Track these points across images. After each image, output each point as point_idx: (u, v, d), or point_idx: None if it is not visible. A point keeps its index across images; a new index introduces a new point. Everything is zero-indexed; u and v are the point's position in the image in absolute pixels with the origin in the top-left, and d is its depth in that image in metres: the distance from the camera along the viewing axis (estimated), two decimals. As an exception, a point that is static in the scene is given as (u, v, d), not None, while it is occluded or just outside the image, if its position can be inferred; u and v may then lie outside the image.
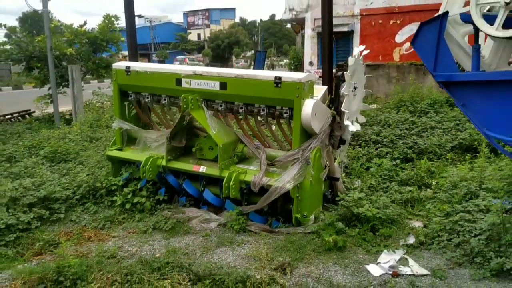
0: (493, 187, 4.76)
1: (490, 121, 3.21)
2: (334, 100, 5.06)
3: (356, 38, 18.71)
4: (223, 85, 4.84)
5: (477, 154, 6.47)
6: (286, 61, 51.07)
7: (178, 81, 5.08)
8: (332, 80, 5.14)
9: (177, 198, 5.52)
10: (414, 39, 3.52)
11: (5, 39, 13.95)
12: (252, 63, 28.04)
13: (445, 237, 4.37)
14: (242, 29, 70.15)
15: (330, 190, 5.37)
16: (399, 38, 17.92)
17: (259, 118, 5.11)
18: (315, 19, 19.39)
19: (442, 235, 4.40)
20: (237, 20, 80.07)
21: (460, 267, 3.94)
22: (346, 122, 4.89)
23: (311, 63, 19.55)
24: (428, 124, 7.57)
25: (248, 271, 3.81)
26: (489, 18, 3.12)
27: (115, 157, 5.62)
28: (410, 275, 3.82)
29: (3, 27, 13.47)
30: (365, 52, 5.16)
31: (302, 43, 22.82)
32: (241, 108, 4.94)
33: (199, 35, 67.31)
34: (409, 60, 16.32)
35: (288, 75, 4.56)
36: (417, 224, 4.86)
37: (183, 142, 5.30)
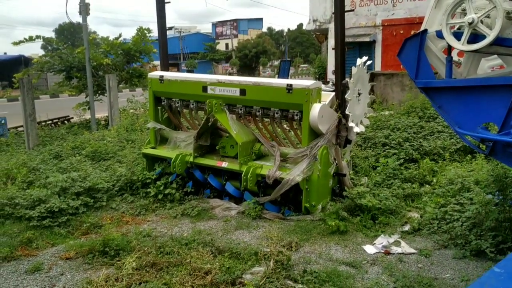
0: (480, 180, 5.34)
1: (460, 119, 3.84)
2: (341, 104, 5.74)
3: (378, 48, 19.27)
4: (242, 92, 5.60)
5: (476, 156, 7.03)
6: (305, 67, 51.86)
7: (204, 88, 5.86)
8: (343, 87, 5.83)
9: (203, 190, 6.27)
10: (399, 52, 4.18)
11: (41, 50, 15.11)
12: (278, 72, 28.77)
13: (435, 224, 4.98)
14: (269, 39, 71.12)
15: (338, 185, 6.03)
16: (419, 48, 18.38)
17: (274, 120, 5.81)
18: (337, 30, 20.02)
19: (433, 222, 5.01)
20: (264, 30, 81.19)
21: (445, 249, 4.55)
22: (351, 124, 5.56)
23: (334, 72, 20.16)
24: (435, 128, 8.13)
25: (260, 247, 4.52)
26: (460, 35, 3.76)
27: (150, 154, 6.43)
28: (399, 253, 4.45)
29: (40, 38, 14.61)
30: (368, 62, 5.82)
31: (327, 52, 23.46)
32: (258, 111, 5.67)
33: (227, 45, 68.61)
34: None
35: (298, 83, 5.28)
36: (414, 214, 5.47)
37: (208, 141, 6.06)
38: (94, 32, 17.51)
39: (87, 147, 8.28)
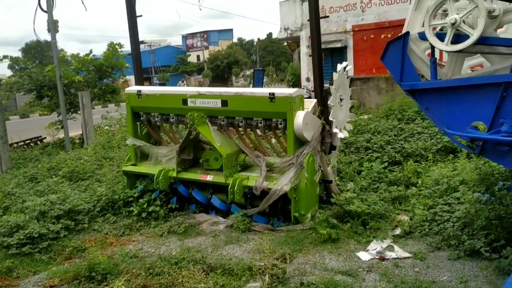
0: (466, 179, 5.36)
1: (448, 120, 3.82)
2: (323, 111, 5.70)
3: (350, 53, 19.50)
4: (224, 103, 5.49)
5: (458, 155, 7.10)
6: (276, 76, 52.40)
7: (184, 101, 5.73)
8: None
9: (187, 206, 6.11)
10: (382, 56, 4.15)
11: (8, 70, 14.74)
12: (251, 82, 28.84)
13: (426, 226, 4.95)
14: (240, 49, 71.42)
15: (325, 192, 5.97)
16: (390, 51, 18.67)
17: (257, 130, 5.72)
18: (309, 37, 20.18)
19: (424, 224, 4.99)
20: (235, 40, 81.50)
21: (439, 250, 4.51)
22: (335, 130, 5.51)
23: (308, 79, 20.27)
24: (415, 130, 8.19)
25: (253, 261, 4.40)
26: (443, 36, 3.76)
27: (130, 171, 6.24)
28: (394, 258, 4.40)
29: (7, 58, 14.22)
30: (348, 68, 5.80)
31: (299, 60, 23.63)
32: (241, 122, 5.57)
33: (198, 56, 68.54)
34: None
35: (281, 91, 5.21)
36: (403, 217, 5.44)
37: (191, 155, 5.93)
38: (62, 50, 17.10)
39: (64, 167, 8.01)
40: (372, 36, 18.85)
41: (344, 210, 5.39)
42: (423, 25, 3.93)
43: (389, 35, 18.55)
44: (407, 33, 4.03)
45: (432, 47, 3.88)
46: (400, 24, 19.80)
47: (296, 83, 23.53)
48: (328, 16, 9.77)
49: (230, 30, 78.04)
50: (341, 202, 5.40)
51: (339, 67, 5.58)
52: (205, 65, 65.73)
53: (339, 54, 19.66)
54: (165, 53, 64.74)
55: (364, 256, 4.49)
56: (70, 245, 5.13)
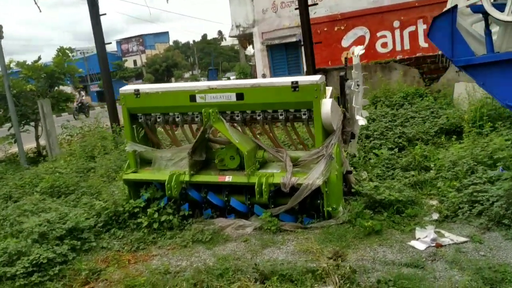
0: (479, 159, 5.34)
1: (508, 94, 3.68)
2: (340, 98, 5.42)
3: (305, 47, 19.45)
4: (239, 96, 5.05)
5: (457, 136, 7.10)
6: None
7: (192, 98, 5.23)
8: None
9: (198, 212, 5.61)
10: (429, 32, 3.94)
11: None
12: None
13: (466, 208, 4.81)
14: (178, 52, 70.21)
15: (344, 184, 5.69)
16: (345, 43, 18.84)
17: (278, 123, 5.34)
18: (262, 33, 19.98)
19: (463, 207, 4.84)
20: (171, 43, 79.98)
21: (490, 231, 4.37)
22: (357, 117, 5.25)
23: (264, 75, 20.04)
24: (408, 115, 8.15)
25: (306, 263, 4.03)
26: (500, 7, 3.60)
27: (133, 179, 5.64)
28: (451, 244, 4.19)
29: None
30: (361, 52, 5.55)
31: (249, 57, 23.39)
32: (258, 115, 5.16)
33: (135, 61, 66.44)
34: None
35: (304, 79, 4.87)
36: (433, 202, 5.29)
37: (203, 155, 5.44)
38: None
39: (40, 182, 7.19)
40: (325, 29, 18.90)
41: (374, 200, 5.15)
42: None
43: (342, 28, 18.75)
44: (455, 6, 3.83)
45: (486, 19, 3.70)
46: (352, 16, 19.86)
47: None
48: (317, 4, 9.52)
49: (166, 33, 76.45)
50: (370, 191, 5.16)
51: (356, 50, 5.33)
52: (143, 69, 63.88)
53: (294, 48, 19.60)
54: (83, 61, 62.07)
55: (418, 245, 4.25)
56: (83, 267, 4.50)
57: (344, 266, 3.78)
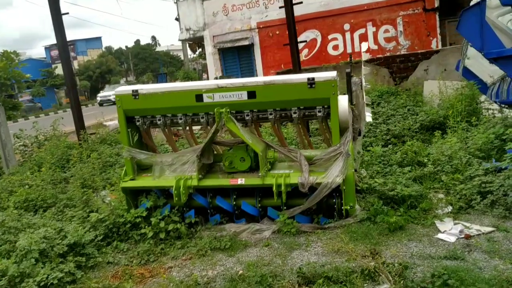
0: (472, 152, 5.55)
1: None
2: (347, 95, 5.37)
3: (257, 50, 19.50)
4: (251, 94, 4.85)
5: (441, 131, 7.32)
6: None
7: (199, 97, 4.95)
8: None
9: (203, 219, 5.32)
10: (458, 25, 3.98)
11: None
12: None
13: (478, 199, 4.92)
14: (112, 58, 67.86)
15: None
16: (297, 46, 19.11)
17: (281, 121, 5.18)
18: (214, 36, 19.74)
19: (475, 198, 4.95)
20: (103, 49, 77.07)
21: (509, 220, 4.49)
22: (367, 114, 5.23)
23: (216, 79, 19.82)
24: (388, 112, 8.32)
25: (347, 263, 3.90)
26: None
27: (133, 187, 5.24)
28: (479, 234, 4.25)
29: None
30: (364, 48, 5.55)
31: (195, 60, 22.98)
32: (270, 114, 4.98)
33: (66, 68, 63.28)
34: (309, 65, 17.51)
35: (320, 75, 4.75)
36: (440, 195, 5.37)
37: (211, 158, 5.17)
38: None
39: (10, 196, 6.52)
40: (277, 32, 19.05)
41: (386, 196, 5.15)
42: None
43: (294, 30, 18.93)
44: (484, 0, 3.89)
45: (515, 12, 3.80)
46: (304, 19, 20.17)
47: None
48: (301, 2, 9.38)
49: (99, 39, 73.61)
50: (383, 187, 5.15)
51: (363, 47, 5.31)
52: (76, 77, 61.01)
53: (246, 51, 19.56)
54: (27, 66, 58.51)
55: (447, 237, 4.27)
56: (94, 286, 4.08)
57: (392, 263, 3.69)
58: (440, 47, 16.16)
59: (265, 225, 4.94)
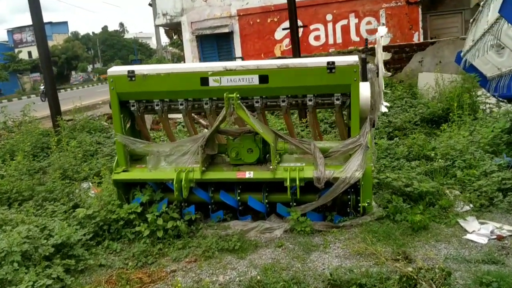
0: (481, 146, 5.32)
1: None
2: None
3: (237, 38, 18.92)
4: (263, 79, 4.37)
5: (442, 124, 7.06)
6: None
7: (204, 81, 4.43)
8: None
9: (202, 215, 4.84)
10: (501, 8, 3.64)
11: None
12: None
13: (500, 196, 4.63)
14: (79, 43, 65.59)
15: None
16: (278, 35, 18.62)
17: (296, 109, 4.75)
18: (191, 23, 19.02)
19: (497, 195, 4.66)
20: (69, 34, 74.33)
21: (537, 219, 4.22)
22: (384, 103, 4.86)
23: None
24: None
25: (376, 267, 3.52)
26: None
27: (125, 180, 4.70)
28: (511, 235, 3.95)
29: None
30: (383, 33, 5.13)
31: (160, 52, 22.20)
32: (283, 101, 4.52)
33: (29, 53, 60.67)
34: (290, 55, 17.11)
35: (341, 59, 4.32)
36: (456, 192, 5.06)
37: (215, 149, 4.67)
38: None
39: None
40: (258, 21, 18.54)
41: (402, 192, 4.80)
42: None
43: (275, 19, 18.49)
44: (531, -20, 3.55)
45: None
46: (286, 7, 19.65)
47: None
48: None
49: (65, 23, 70.95)
50: (398, 183, 4.80)
51: (381, 31, 4.90)
52: (39, 61, 58.62)
53: (226, 39, 18.94)
54: None
55: (478, 239, 3.95)
56: (88, 293, 3.56)
57: (432, 268, 3.32)
58: (422, 40, 16.04)
59: (274, 223, 4.50)
